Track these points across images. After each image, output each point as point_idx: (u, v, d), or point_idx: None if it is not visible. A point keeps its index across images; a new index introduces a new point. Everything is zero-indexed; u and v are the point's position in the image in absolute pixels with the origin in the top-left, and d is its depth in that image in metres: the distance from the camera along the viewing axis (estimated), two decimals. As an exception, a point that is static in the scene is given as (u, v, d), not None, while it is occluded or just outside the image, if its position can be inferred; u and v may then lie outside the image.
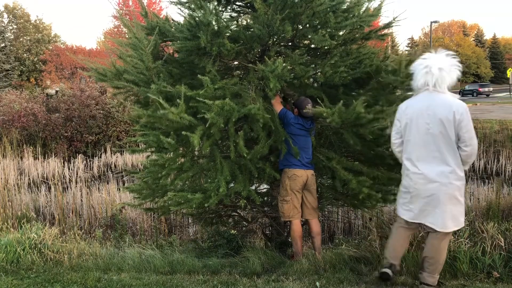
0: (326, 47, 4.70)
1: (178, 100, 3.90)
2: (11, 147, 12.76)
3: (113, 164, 13.12)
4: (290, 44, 4.93)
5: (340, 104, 3.84)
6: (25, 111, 13.63)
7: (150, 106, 4.45)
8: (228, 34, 4.38)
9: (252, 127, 4.32)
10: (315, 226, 4.59)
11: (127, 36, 5.32)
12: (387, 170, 4.58)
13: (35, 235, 4.72)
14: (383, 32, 4.86)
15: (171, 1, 4.86)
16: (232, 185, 4.46)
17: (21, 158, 12.38)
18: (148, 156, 5.29)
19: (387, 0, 4.85)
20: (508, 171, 11.50)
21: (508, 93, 41.76)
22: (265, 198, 5.28)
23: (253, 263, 4.33)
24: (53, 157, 12.26)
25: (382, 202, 4.43)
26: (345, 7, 4.55)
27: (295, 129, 4.40)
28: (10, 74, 35.03)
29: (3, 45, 36.24)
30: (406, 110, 3.53)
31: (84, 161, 12.48)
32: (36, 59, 37.49)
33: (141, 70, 4.44)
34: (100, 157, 13.22)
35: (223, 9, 5.00)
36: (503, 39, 76.49)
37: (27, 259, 4.51)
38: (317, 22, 4.48)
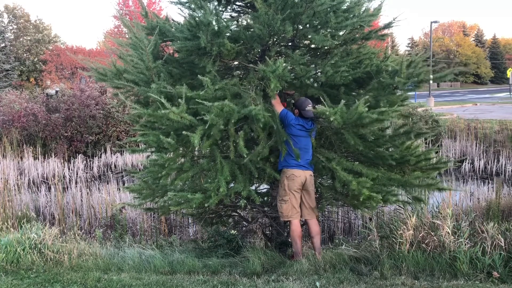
0: (326, 47, 4.71)
1: (179, 100, 3.90)
2: (11, 147, 12.74)
3: (113, 164, 13.10)
4: (290, 44, 4.93)
5: (342, 104, 3.84)
6: (25, 111, 13.61)
7: (150, 106, 4.45)
8: (228, 34, 4.38)
9: (252, 127, 4.32)
10: (314, 226, 4.59)
11: (127, 36, 5.32)
12: (387, 171, 4.58)
13: (35, 235, 4.72)
14: (383, 32, 4.86)
15: (171, 1, 4.86)
16: (232, 185, 4.46)
17: (21, 158, 12.35)
18: (148, 156, 5.29)
19: (387, 0, 4.86)
20: (508, 171, 11.48)
21: (508, 93, 41.72)
22: (265, 198, 5.28)
23: (253, 263, 4.33)
24: (53, 157, 12.24)
25: (382, 203, 4.43)
26: (346, 7, 4.55)
27: (295, 130, 4.40)
28: (10, 74, 35.00)
29: (3, 45, 36.22)
30: None
31: (84, 161, 12.47)
32: (36, 59, 37.47)
33: (141, 70, 4.44)
34: (100, 157, 13.20)
35: (223, 9, 5.00)
36: (503, 39, 76.50)
37: (27, 259, 4.50)
38: (318, 22, 4.48)
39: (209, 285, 3.88)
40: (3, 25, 38.01)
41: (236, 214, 5.59)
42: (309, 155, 4.51)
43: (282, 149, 4.41)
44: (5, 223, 5.85)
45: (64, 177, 11.20)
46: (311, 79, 4.73)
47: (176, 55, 4.93)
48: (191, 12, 4.64)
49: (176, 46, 4.58)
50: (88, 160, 12.79)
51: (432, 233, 4.23)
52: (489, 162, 12.09)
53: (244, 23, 5.04)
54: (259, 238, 5.76)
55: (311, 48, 5.03)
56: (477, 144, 13.55)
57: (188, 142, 4.16)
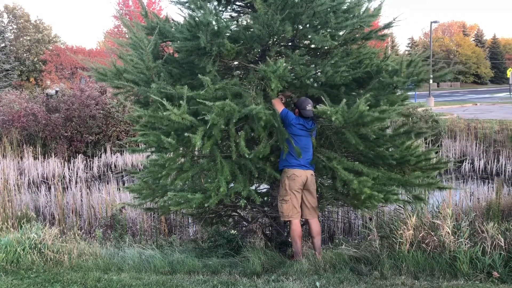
0: (326, 47, 4.71)
1: (180, 101, 3.90)
2: (11, 147, 12.73)
3: (113, 164, 13.08)
4: (290, 44, 4.93)
5: (343, 103, 3.84)
6: (25, 111, 13.59)
7: (150, 106, 4.45)
8: (228, 34, 4.38)
9: (253, 127, 4.32)
10: (315, 226, 4.59)
11: (127, 36, 5.32)
12: (387, 171, 4.58)
13: (35, 235, 4.72)
14: (383, 32, 4.86)
15: (171, 1, 4.86)
16: (232, 185, 4.46)
17: (21, 158, 12.34)
18: (148, 156, 5.29)
19: (388, 0, 4.86)
20: (508, 171, 11.47)
21: (508, 93, 41.72)
22: (265, 198, 5.28)
23: (253, 263, 4.33)
24: (53, 157, 12.23)
25: (383, 202, 4.43)
26: (346, 7, 4.55)
27: (296, 130, 4.41)
28: (10, 74, 34.99)
29: (3, 45, 36.21)
30: None
31: (84, 161, 12.46)
32: (36, 59, 37.47)
33: (141, 70, 4.44)
34: (100, 157, 13.18)
35: (223, 9, 5.00)
36: (503, 39, 76.49)
37: (27, 259, 4.50)
38: (318, 22, 4.48)
39: (209, 285, 3.89)
40: (3, 25, 38.00)
41: (236, 214, 5.59)
42: (310, 154, 4.51)
43: (284, 148, 4.40)
44: (5, 223, 5.84)
45: (64, 177, 11.20)
46: (311, 79, 4.73)
47: (176, 55, 4.93)
48: (190, 12, 4.64)
49: (176, 46, 4.58)
50: (88, 160, 12.78)
51: (432, 233, 4.23)
52: (489, 162, 12.08)
53: (244, 23, 5.04)
54: (259, 238, 5.76)
55: (311, 48, 5.03)
56: (477, 144, 13.54)
57: (188, 142, 4.16)
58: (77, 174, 11.49)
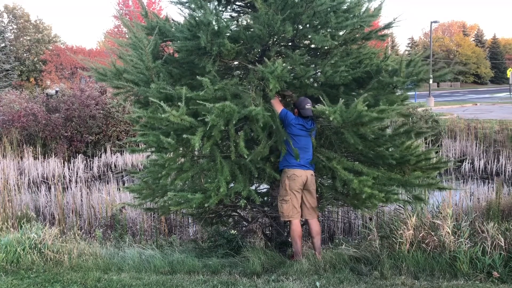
0: (326, 47, 4.71)
1: (179, 103, 3.90)
2: (11, 147, 12.73)
3: (113, 164, 13.08)
4: (290, 44, 4.93)
5: (341, 102, 3.84)
6: (25, 111, 13.58)
7: (150, 106, 4.45)
8: (228, 34, 4.38)
9: (252, 127, 4.32)
10: (315, 226, 4.59)
11: (127, 36, 5.32)
12: (387, 170, 4.58)
13: (35, 235, 4.72)
14: (383, 33, 4.86)
15: (171, 1, 4.87)
16: (232, 185, 4.46)
17: (21, 158, 12.33)
18: (148, 156, 5.29)
19: (388, 1, 4.86)
20: (508, 171, 11.47)
21: (508, 93, 41.72)
22: (265, 198, 5.28)
23: (253, 263, 4.33)
24: (53, 157, 12.22)
25: (383, 202, 4.43)
26: (346, 7, 4.55)
27: (295, 130, 4.41)
28: (10, 74, 35.00)
29: (3, 45, 36.21)
30: None
31: (84, 161, 12.45)
32: (36, 59, 37.48)
33: (141, 70, 4.44)
34: (100, 157, 13.18)
35: (223, 9, 5.00)
36: (503, 39, 76.47)
37: (27, 259, 4.50)
38: (318, 22, 4.48)
39: (209, 285, 3.89)
40: (3, 25, 38.01)
41: (236, 214, 5.59)
42: (309, 154, 4.51)
43: (282, 149, 4.41)
44: (5, 223, 5.84)
45: (64, 177, 11.20)
46: (311, 79, 4.73)
47: (176, 55, 4.93)
48: (191, 12, 4.65)
49: (176, 46, 4.58)
50: (88, 160, 12.78)
51: (432, 233, 4.24)
52: (489, 162, 12.08)
53: (244, 23, 5.04)
54: (259, 238, 5.76)
55: (311, 48, 5.03)
56: (477, 144, 13.54)
57: (188, 142, 4.16)
58: (77, 174, 11.49)
